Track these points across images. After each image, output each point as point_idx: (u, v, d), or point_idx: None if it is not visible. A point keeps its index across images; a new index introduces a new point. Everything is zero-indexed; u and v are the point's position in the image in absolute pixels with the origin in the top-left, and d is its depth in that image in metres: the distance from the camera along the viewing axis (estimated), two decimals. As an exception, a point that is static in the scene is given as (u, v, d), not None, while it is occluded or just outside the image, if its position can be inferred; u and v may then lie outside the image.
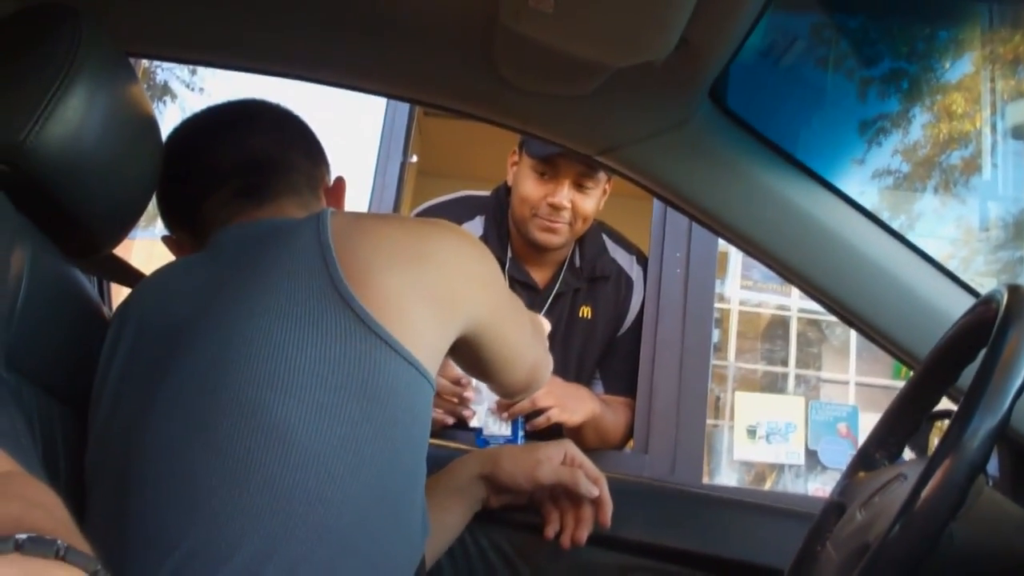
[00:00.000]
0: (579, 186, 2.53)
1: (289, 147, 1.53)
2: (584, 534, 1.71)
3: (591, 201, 2.57)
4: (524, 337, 1.55)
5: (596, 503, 1.71)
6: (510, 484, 1.71)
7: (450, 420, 2.29)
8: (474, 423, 2.32)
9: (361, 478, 1.19)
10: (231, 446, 1.17)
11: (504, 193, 2.71)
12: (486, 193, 2.77)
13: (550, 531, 1.72)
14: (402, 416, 1.24)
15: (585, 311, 2.71)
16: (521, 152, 2.62)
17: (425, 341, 1.28)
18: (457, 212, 2.65)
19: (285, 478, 1.15)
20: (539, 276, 2.69)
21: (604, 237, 2.78)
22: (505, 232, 2.68)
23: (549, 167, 2.52)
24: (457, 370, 2.19)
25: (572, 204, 2.53)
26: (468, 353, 1.45)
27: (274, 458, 1.16)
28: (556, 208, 2.53)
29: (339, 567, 1.17)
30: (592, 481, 1.69)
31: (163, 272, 1.44)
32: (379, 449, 1.20)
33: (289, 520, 1.15)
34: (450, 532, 1.74)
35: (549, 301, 2.66)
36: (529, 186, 2.56)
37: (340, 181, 1.60)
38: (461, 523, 1.75)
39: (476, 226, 2.67)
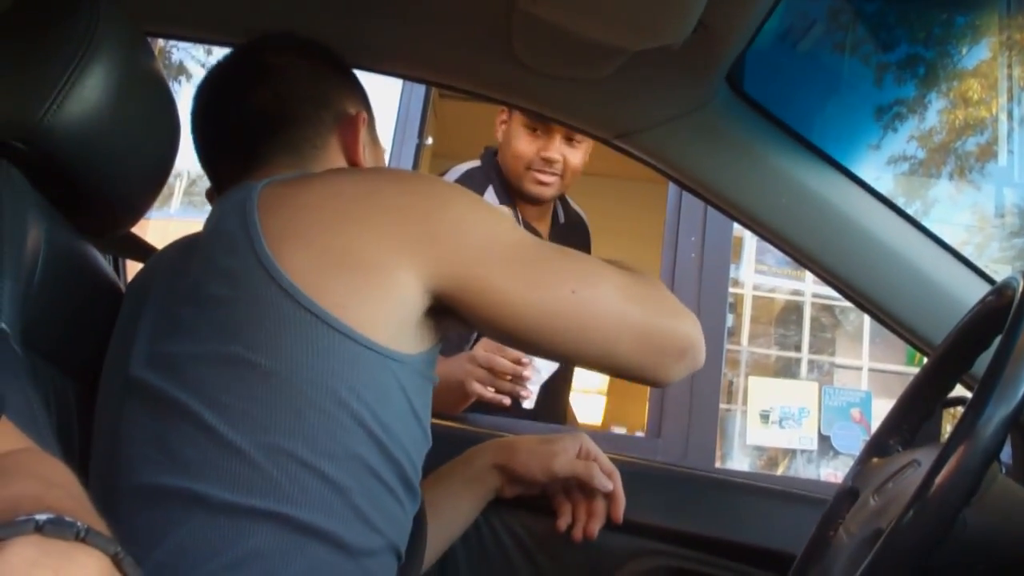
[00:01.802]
0: (569, 139, 2.66)
1: (290, 100, 1.49)
2: (596, 527, 1.71)
3: (579, 154, 2.70)
4: (561, 291, 1.31)
5: (609, 497, 1.71)
6: (525, 475, 1.70)
7: (507, 400, 2.27)
8: (527, 404, 2.31)
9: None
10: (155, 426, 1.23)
11: (493, 155, 2.82)
12: (476, 163, 2.85)
13: (562, 523, 1.72)
14: (343, 391, 1.20)
15: None
16: (510, 111, 2.74)
17: (354, 309, 1.21)
18: (468, 188, 2.68)
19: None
20: (542, 228, 2.81)
21: (566, 200, 2.95)
22: (509, 192, 2.77)
23: (540, 123, 2.64)
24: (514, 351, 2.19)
25: (563, 157, 2.67)
26: (479, 320, 1.32)
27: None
28: (549, 161, 2.66)
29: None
30: (606, 475, 1.69)
31: (172, 246, 1.44)
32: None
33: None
34: (463, 519, 1.74)
35: None
36: (522, 143, 2.68)
37: (352, 118, 1.52)
38: (474, 511, 1.75)
39: (491, 196, 2.75)
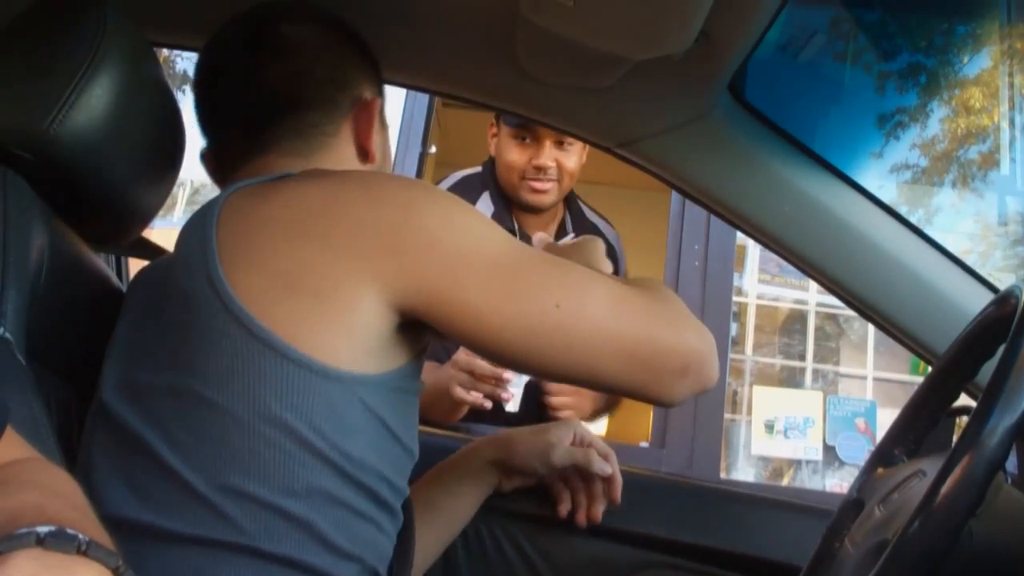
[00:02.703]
0: (559, 144, 2.63)
1: (306, 80, 1.41)
2: (600, 510, 1.71)
3: (573, 157, 2.66)
4: (542, 305, 1.21)
5: (606, 480, 1.71)
6: (524, 468, 1.70)
7: (488, 404, 2.27)
8: (511, 407, 2.30)
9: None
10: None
11: (493, 164, 2.80)
12: (476, 169, 2.84)
13: (563, 509, 1.72)
14: (301, 427, 1.15)
15: None
16: (499, 123, 2.73)
17: (314, 333, 1.15)
18: (461, 194, 2.66)
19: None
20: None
21: (582, 206, 2.88)
22: (507, 201, 2.75)
23: (528, 131, 2.63)
24: None
25: (556, 163, 2.63)
26: (456, 336, 1.24)
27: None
28: (541, 169, 2.63)
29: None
30: (603, 457, 1.69)
31: (158, 261, 1.40)
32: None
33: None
34: (463, 516, 1.73)
35: None
36: (512, 153, 2.66)
37: (368, 104, 1.45)
38: (473, 508, 1.73)
39: (484, 204, 2.73)
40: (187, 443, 1.14)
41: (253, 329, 1.14)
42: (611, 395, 2.51)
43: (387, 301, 1.18)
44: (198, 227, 1.22)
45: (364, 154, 1.45)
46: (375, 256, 1.17)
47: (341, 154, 1.43)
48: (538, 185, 2.65)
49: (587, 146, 2.66)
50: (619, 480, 1.71)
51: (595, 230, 2.86)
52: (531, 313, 1.20)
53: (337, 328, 1.16)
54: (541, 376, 1.48)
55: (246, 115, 1.41)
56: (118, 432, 1.20)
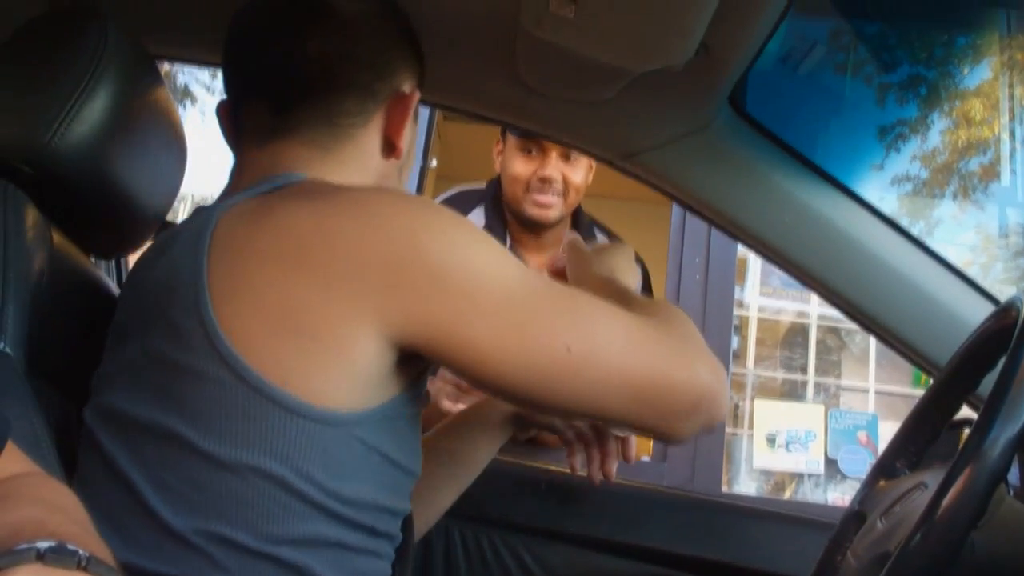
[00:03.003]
0: (565, 157, 2.57)
1: (347, 61, 1.30)
2: (613, 467, 1.67)
3: (579, 171, 2.60)
4: (552, 348, 1.15)
5: (620, 439, 1.69)
6: (541, 421, 1.67)
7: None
8: None
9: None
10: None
11: (498, 184, 2.73)
12: (480, 185, 2.78)
13: (576, 463, 1.69)
14: (291, 476, 1.10)
15: None
16: (504, 137, 2.66)
17: (307, 375, 1.10)
18: (457, 207, 2.65)
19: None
20: (537, 261, 2.66)
21: (595, 230, 2.80)
22: (504, 220, 2.69)
23: (534, 143, 2.56)
24: None
25: (562, 176, 2.57)
26: (458, 372, 1.20)
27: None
28: (547, 181, 2.56)
29: None
30: None
31: (142, 260, 1.32)
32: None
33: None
34: (479, 464, 1.69)
35: None
36: (518, 165, 2.59)
37: (405, 97, 1.36)
38: (489, 456, 1.69)
39: (477, 216, 2.69)
40: (175, 488, 1.10)
41: (242, 373, 1.08)
42: None
43: (388, 337, 1.12)
44: (190, 253, 1.15)
45: (391, 148, 1.35)
46: (376, 293, 1.10)
47: (366, 147, 1.34)
48: (542, 198, 2.58)
49: (594, 162, 2.62)
50: (634, 441, 1.68)
51: None
52: (540, 356, 1.15)
53: (334, 369, 1.10)
54: (545, 412, 1.37)
55: (276, 90, 1.30)
56: (103, 466, 1.15)
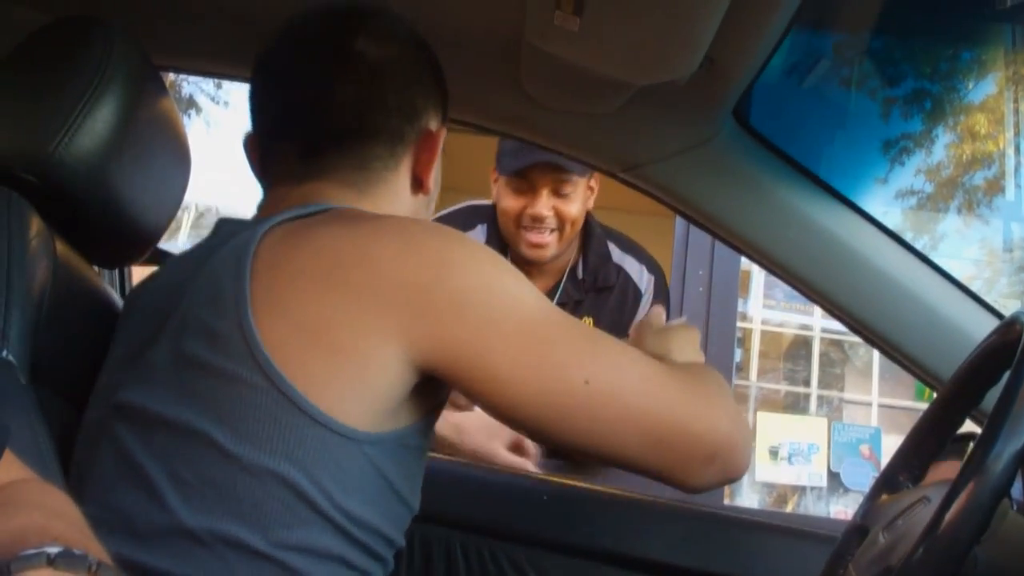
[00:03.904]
0: (557, 193, 2.48)
1: (377, 108, 1.32)
2: None
3: (574, 205, 2.51)
4: (570, 381, 1.16)
5: None
6: None
7: None
8: None
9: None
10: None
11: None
12: (489, 202, 2.70)
13: None
14: (305, 484, 1.12)
15: (587, 322, 2.65)
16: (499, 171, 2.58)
17: (334, 392, 1.12)
18: (460, 222, 2.60)
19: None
20: (540, 284, 2.59)
21: (610, 244, 2.70)
22: (505, 241, 2.62)
23: (524, 180, 2.48)
24: None
25: (555, 211, 2.49)
26: (475, 400, 1.20)
27: None
28: (538, 219, 2.48)
29: None
30: None
31: (157, 278, 1.35)
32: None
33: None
34: None
35: None
36: (508, 201, 2.52)
37: (433, 136, 1.38)
38: None
39: (478, 234, 2.63)
40: (191, 484, 1.11)
41: (276, 380, 1.10)
42: None
43: (409, 360, 1.14)
44: (232, 266, 1.16)
45: (419, 185, 1.38)
46: (403, 314, 1.13)
47: (397, 186, 1.36)
48: (535, 238, 2.50)
49: (594, 188, 2.57)
50: None
51: (618, 275, 2.68)
52: (557, 388, 1.16)
53: (357, 386, 1.13)
54: (560, 447, 1.32)
55: (305, 136, 1.32)
56: (122, 462, 1.16)
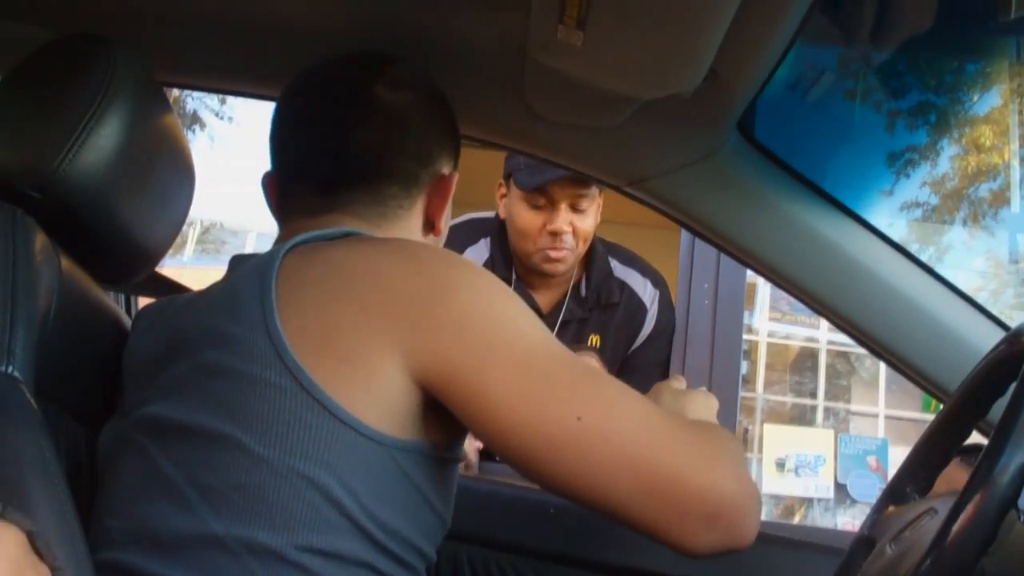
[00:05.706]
0: (575, 208, 2.50)
1: (394, 152, 1.38)
2: None
3: (589, 219, 2.54)
4: (563, 414, 1.12)
5: None
6: None
7: (477, 444, 2.25)
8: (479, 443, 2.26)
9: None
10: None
11: (502, 224, 2.67)
12: (491, 214, 2.72)
13: None
14: (335, 486, 1.12)
15: (594, 340, 2.66)
16: (509, 184, 2.58)
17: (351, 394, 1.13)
18: (462, 236, 2.61)
19: None
20: (545, 300, 2.64)
21: (611, 261, 2.72)
22: (509, 255, 2.63)
23: (542, 195, 2.49)
24: None
25: (571, 226, 2.50)
26: (467, 424, 1.18)
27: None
28: (557, 234, 2.49)
29: None
30: None
31: (170, 303, 1.37)
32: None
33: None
34: None
35: (556, 329, 2.61)
36: (526, 218, 2.52)
37: (446, 180, 1.43)
38: None
39: (481, 249, 2.64)
40: (216, 490, 1.12)
41: (305, 384, 1.12)
42: None
43: (410, 373, 1.14)
44: (255, 280, 1.19)
45: (430, 226, 1.44)
46: (402, 327, 1.14)
47: (410, 226, 1.41)
48: (554, 254, 2.51)
49: (600, 205, 2.58)
50: None
51: (622, 291, 2.70)
52: (548, 420, 1.12)
53: (371, 392, 1.13)
54: (552, 489, 1.20)
55: (323, 175, 1.38)
56: (148, 471, 1.17)
